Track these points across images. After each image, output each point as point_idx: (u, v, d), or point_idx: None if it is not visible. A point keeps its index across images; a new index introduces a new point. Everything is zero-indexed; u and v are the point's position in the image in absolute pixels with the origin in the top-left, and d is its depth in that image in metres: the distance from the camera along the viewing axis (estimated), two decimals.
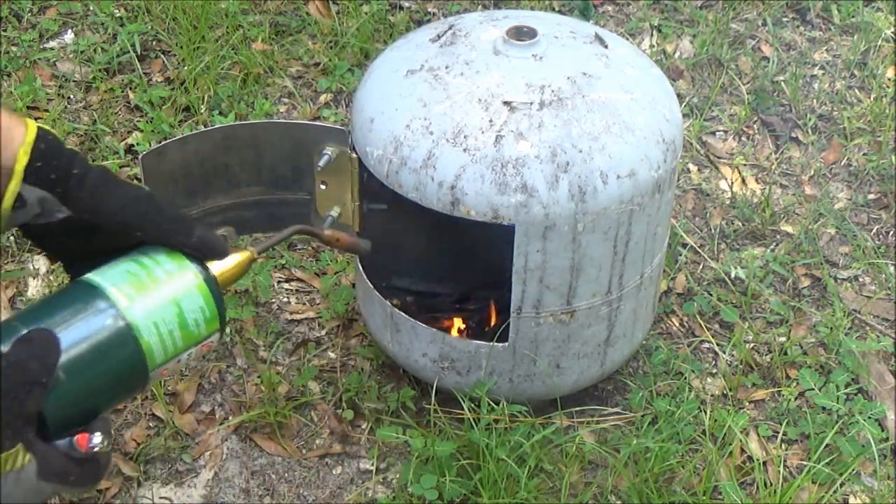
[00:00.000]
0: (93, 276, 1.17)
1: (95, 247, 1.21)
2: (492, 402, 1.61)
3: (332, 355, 1.84)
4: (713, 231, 2.06)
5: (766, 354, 1.85)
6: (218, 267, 1.23)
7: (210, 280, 1.21)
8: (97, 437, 1.10)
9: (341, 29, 2.42)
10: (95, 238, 1.21)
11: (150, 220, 1.20)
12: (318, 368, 1.81)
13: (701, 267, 2.00)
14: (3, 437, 1.01)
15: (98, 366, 1.12)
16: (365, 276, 1.66)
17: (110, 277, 1.17)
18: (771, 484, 1.64)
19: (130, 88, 2.32)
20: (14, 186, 1.14)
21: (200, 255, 1.21)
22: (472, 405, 1.60)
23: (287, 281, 1.96)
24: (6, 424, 1.02)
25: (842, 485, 1.64)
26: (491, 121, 1.45)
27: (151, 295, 1.16)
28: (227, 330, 1.84)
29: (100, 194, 1.18)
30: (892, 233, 2.09)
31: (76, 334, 1.11)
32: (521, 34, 1.53)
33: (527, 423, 1.62)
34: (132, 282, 1.16)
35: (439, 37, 1.57)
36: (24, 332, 1.09)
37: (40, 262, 1.97)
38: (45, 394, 1.06)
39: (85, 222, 1.19)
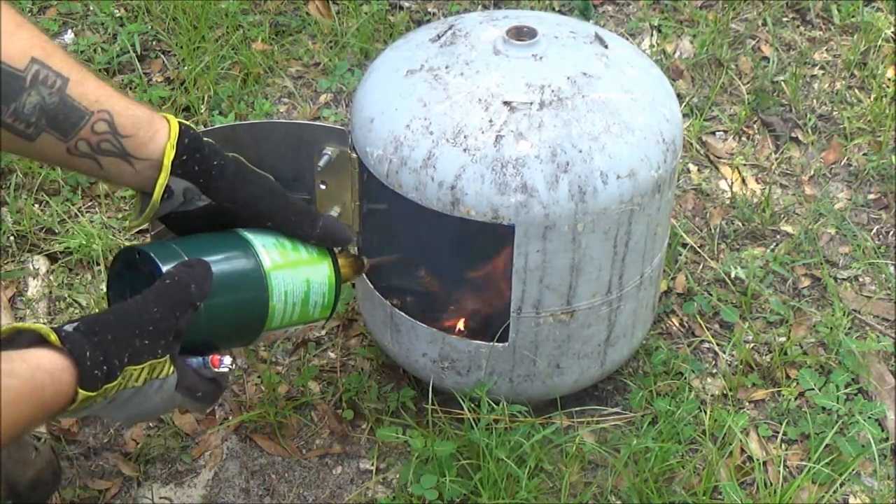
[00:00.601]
0: (246, 233, 1.31)
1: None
2: (492, 402, 1.61)
3: (332, 355, 1.84)
4: (713, 231, 2.06)
5: (766, 354, 1.85)
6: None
7: (338, 274, 1.38)
8: (227, 359, 1.23)
9: (341, 29, 2.42)
10: (228, 224, 1.32)
11: (282, 210, 1.34)
12: (318, 368, 1.81)
13: (701, 267, 2.00)
14: (158, 345, 1.13)
15: (230, 310, 1.25)
16: (365, 276, 1.66)
17: (261, 240, 1.31)
18: (771, 484, 1.64)
19: (130, 88, 2.32)
20: (163, 179, 1.25)
21: (326, 243, 1.38)
22: (472, 405, 1.60)
23: None
24: (159, 334, 1.14)
25: (842, 485, 1.64)
26: (491, 121, 1.45)
27: (292, 268, 1.32)
28: None
29: (239, 185, 1.31)
30: (892, 233, 2.09)
31: (222, 276, 1.24)
32: (521, 34, 1.53)
33: (527, 423, 1.63)
34: (279, 251, 1.32)
35: (439, 37, 1.58)
36: (185, 258, 1.22)
37: (40, 262, 1.97)
38: (193, 315, 1.17)
39: (222, 210, 1.31)
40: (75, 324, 1.12)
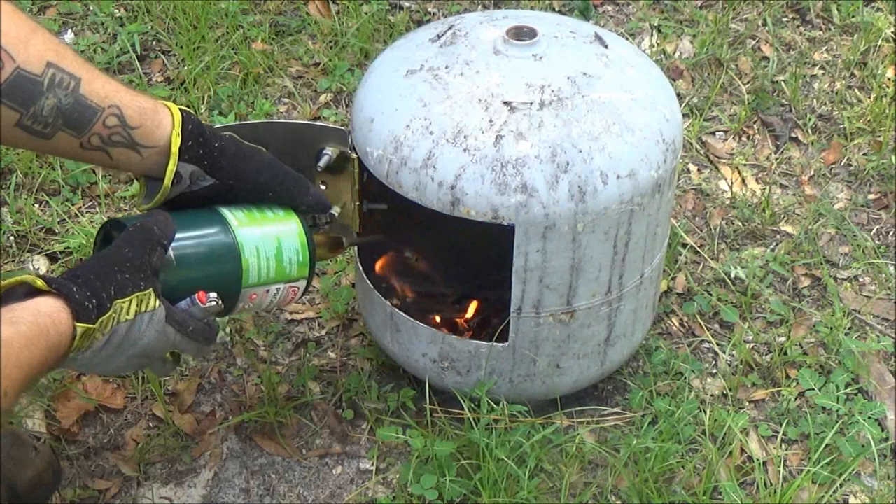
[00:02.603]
0: (215, 206, 1.40)
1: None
2: (492, 402, 1.61)
3: (332, 355, 1.84)
4: (713, 231, 2.06)
5: (766, 354, 1.85)
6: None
7: (309, 232, 1.45)
8: (213, 295, 1.32)
9: (341, 29, 2.42)
10: (230, 200, 1.41)
11: (280, 180, 1.44)
12: (318, 368, 1.81)
13: (701, 267, 2.00)
14: (139, 279, 1.23)
15: (204, 264, 1.35)
16: (365, 276, 1.66)
17: (228, 207, 1.40)
18: (771, 484, 1.64)
19: None
20: (172, 166, 1.34)
21: (313, 210, 1.48)
22: (472, 405, 1.60)
23: None
24: (137, 269, 1.23)
25: (842, 485, 1.64)
26: (491, 121, 1.45)
27: (259, 226, 1.40)
28: (229, 329, 1.84)
29: (239, 162, 1.41)
30: (892, 233, 2.09)
31: (193, 235, 1.35)
32: (521, 34, 1.53)
33: (527, 423, 1.63)
34: (246, 214, 1.41)
35: (439, 37, 1.58)
36: None
37: (40, 262, 1.97)
38: (163, 255, 1.27)
39: (225, 187, 1.40)
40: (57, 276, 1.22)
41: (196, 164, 1.36)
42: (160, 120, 1.33)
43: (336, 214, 1.56)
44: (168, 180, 1.35)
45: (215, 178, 1.38)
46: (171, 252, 1.29)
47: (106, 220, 1.41)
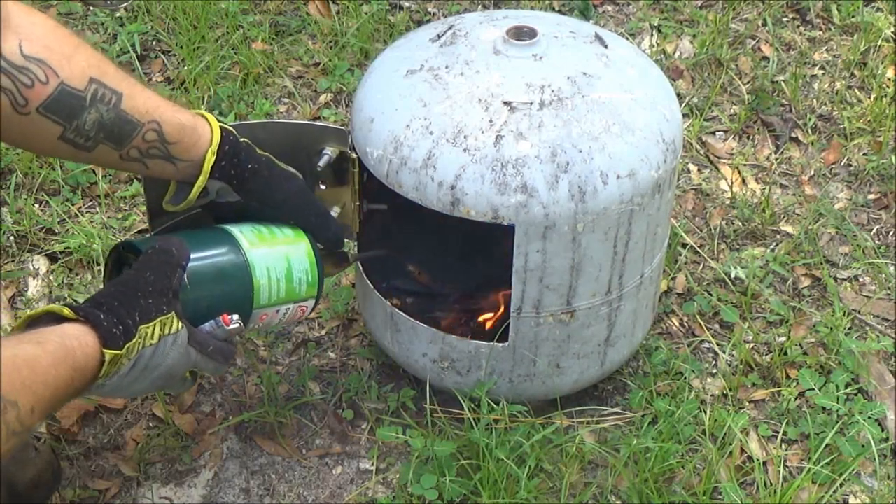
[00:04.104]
0: (226, 226, 1.42)
1: (254, 220, 1.45)
2: (492, 402, 1.61)
3: (332, 355, 1.84)
4: (713, 231, 2.06)
5: (766, 354, 1.85)
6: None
7: (318, 252, 1.46)
8: (236, 317, 1.35)
9: (341, 29, 2.42)
10: (253, 216, 1.45)
11: (304, 213, 1.47)
12: (318, 368, 1.81)
13: (701, 267, 2.00)
14: (162, 303, 1.26)
15: (216, 284, 1.36)
16: (365, 276, 1.66)
17: (239, 227, 1.42)
18: (771, 484, 1.64)
19: None
20: (201, 182, 1.39)
21: (331, 246, 1.52)
22: (472, 405, 1.60)
23: None
24: (159, 293, 1.26)
25: (842, 485, 1.64)
26: (491, 121, 1.45)
27: (270, 246, 1.41)
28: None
29: (267, 188, 1.44)
30: (892, 233, 2.09)
31: (205, 257, 1.36)
32: (521, 34, 1.53)
33: (527, 423, 1.63)
34: (257, 234, 1.42)
35: (439, 37, 1.58)
36: None
37: (40, 262, 1.97)
38: (182, 277, 1.30)
39: (251, 208, 1.43)
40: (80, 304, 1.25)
41: (225, 181, 1.40)
42: (199, 137, 1.37)
43: (336, 216, 1.56)
44: (195, 194, 1.39)
45: (242, 197, 1.42)
46: (185, 277, 1.32)
47: (119, 241, 1.45)
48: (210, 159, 1.37)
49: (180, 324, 1.28)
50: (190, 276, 1.32)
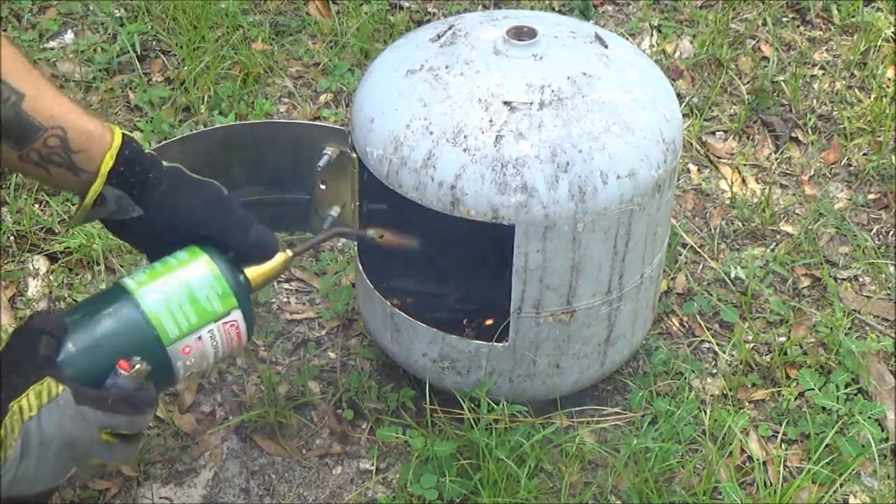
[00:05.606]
0: (123, 278, 1.35)
1: (170, 240, 1.36)
2: (492, 402, 1.61)
3: (332, 355, 1.84)
4: (713, 231, 2.06)
5: (766, 354, 1.85)
6: (253, 269, 1.37)
7: (222, 261, 1.34)
8: (136, 358, 1.24)
9: (341, 29, 2.42)
10: (169, 233, 1.36)
11: (216, 218, 1.37)
12: (318, 368, 1.81)
13: (701, 267, 2.00)
14: (31, 372, 1.19)
15: (104, 332, 1.27)
16: (365, 276, 1.67)
17: (133, 274, 1.34)
18: (771, 484, 1.64)
19: (130, 88, 2.32)
20: (97, 187, 1.32)
21: (254, 252, 1.39)
22: (472, 405, 1.60)
23: (287, 281, 1.96)
24: (25, 364, 1.20)
25: (842, 485, 1.64)
26: (491, 121, 1.45)
27: (161, 277, 1.32)
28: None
29: (170, 197, 1.36)
30: (892, 233, 2.09)
31: (84, 310, 1.29)
32: (521, 34, 1.53)
33: (527, 423, 1.63)
34: (147, 273, 1.33)
35: (439, 37, 1.58)
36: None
37: (40, 262, 1.97)
38: (54, 342, 1.23)
39: (160, 223, 1.36)
40: None
41: (124, 190, 1.33)
42: (104, 146, 1.32)
43: (336, 216, 1.56)
44: (89, 200, 1.32)
45: (142, 208, 1.34)
46: (67, 338, 1.25)
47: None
48: (108, 163, 1.31)
49: (60, 387, 1.19)
50: (73, 333, 1.25)
